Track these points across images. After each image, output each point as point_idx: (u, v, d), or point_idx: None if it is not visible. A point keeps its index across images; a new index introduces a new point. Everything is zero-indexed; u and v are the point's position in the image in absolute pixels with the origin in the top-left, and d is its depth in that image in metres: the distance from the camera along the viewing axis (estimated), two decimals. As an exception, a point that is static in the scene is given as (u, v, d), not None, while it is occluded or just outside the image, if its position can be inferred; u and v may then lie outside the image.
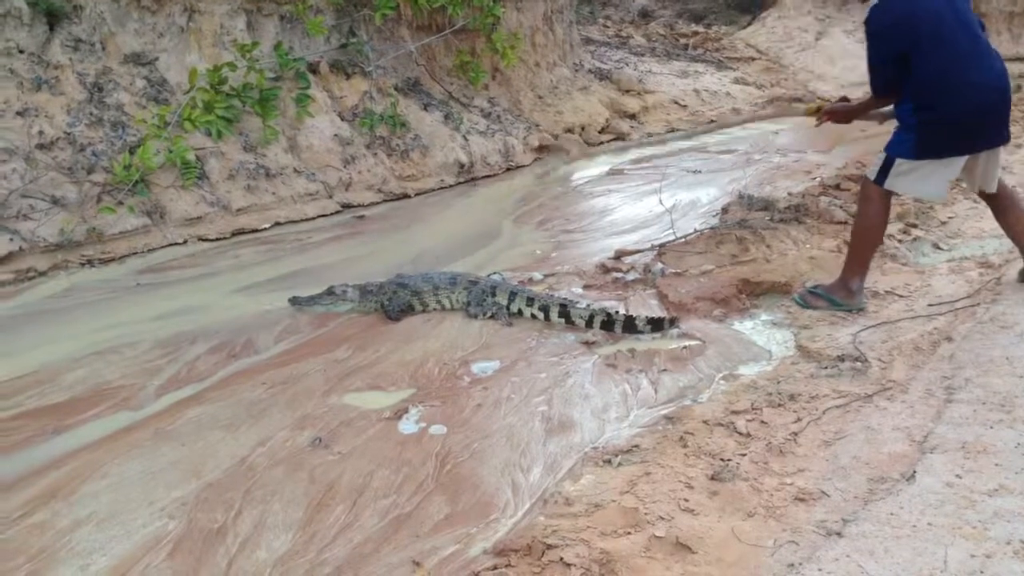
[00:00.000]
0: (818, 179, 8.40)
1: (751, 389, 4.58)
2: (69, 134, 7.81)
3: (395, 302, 5.77)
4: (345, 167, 8.84)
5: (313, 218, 8.24)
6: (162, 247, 7.35)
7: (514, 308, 5.67)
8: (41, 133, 7.63)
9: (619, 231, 7.66)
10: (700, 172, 9.63)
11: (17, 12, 7.97)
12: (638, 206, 8.47)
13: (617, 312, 5.41)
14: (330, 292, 5.90)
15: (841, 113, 5.66)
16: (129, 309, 6.02)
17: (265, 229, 7.90)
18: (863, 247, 5.34)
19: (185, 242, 7.48)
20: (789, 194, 7.95)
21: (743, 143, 11.58)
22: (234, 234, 7.71)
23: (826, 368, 4.75)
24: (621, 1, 25.18)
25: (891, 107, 5.39)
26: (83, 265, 6.88)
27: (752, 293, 5.98)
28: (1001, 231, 5.64)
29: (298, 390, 4.74)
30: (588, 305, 5.51)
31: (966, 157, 5.01)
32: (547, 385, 4.74)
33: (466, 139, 9.84)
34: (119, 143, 7.89)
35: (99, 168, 7.63)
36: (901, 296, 5.71)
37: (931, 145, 4.95)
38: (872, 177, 5.20)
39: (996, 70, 4.96)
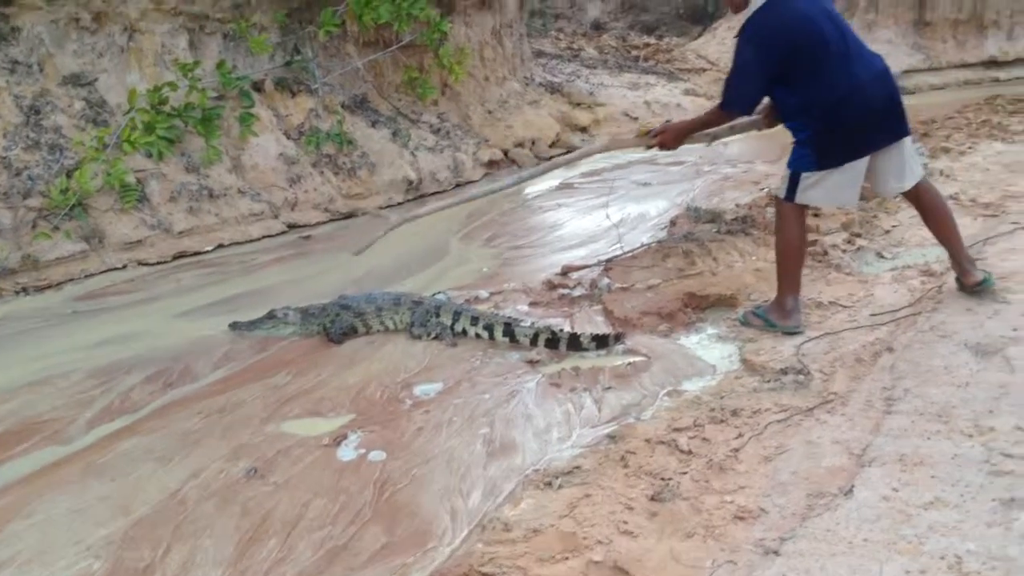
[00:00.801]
0: (766, 189, 8.46)
1: (694, 405, 4.57)
2: (4, 158, 7.64)
3: (337, 324, 5.70)
4: (291, 186, 8.74)
5: (258, 239, 8.13)
6: (101, 272, 7.21)
7: (458, 328, 5.62)
8: (-27, 158, 7.48)
9: (567, 246, 7.65)
10: (650, 185, 9.67)
11: (-52, 34, 7.83)
12: (587, 220, 8.48)
13: (561, 330, 5.38)
14: (271, 316, 5.81)
15: (671, 135, 5.69)
16: (64, 338, 5.88)
17: (208, 251, 7.78)
18: (789, 265, 5.34)
19: (125, 267, 7.34)
20: (736, 205, 8.01)
21: (692, 155, 11.63)
22: (176, 257, 7.58)
23: (769, 382, 4.75)
24: (574, 13, 25.39)
25: (726, 126, 5.55)
26: (17, 293, 6.72)
27: (698, 307, 5.98)
28: None
29: (235, 418, 4.64)
30: (532, 323, 5.47)
31: (866, 159, 5.03)
32: (490, 406, 4.69)
33: (414, 156, 9.80)
34: (56, 167, 7.74)
35: (35, 193, 7.48)
36: (844, 306, 5.74)
37: (829, 154, 4.98)
38: (782, 196, 5.22)
39: (878, 68, 5.00)
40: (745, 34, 4.95)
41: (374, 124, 9.92)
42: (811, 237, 7.07)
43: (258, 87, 9.42)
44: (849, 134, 4.93)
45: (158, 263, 7.47)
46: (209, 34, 9.34)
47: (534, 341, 5.39)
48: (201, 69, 8.93)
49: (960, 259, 5.38)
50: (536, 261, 7.22)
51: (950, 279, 5.75)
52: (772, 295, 5.90)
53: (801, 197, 5.18)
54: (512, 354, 5.37)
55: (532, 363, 5.23)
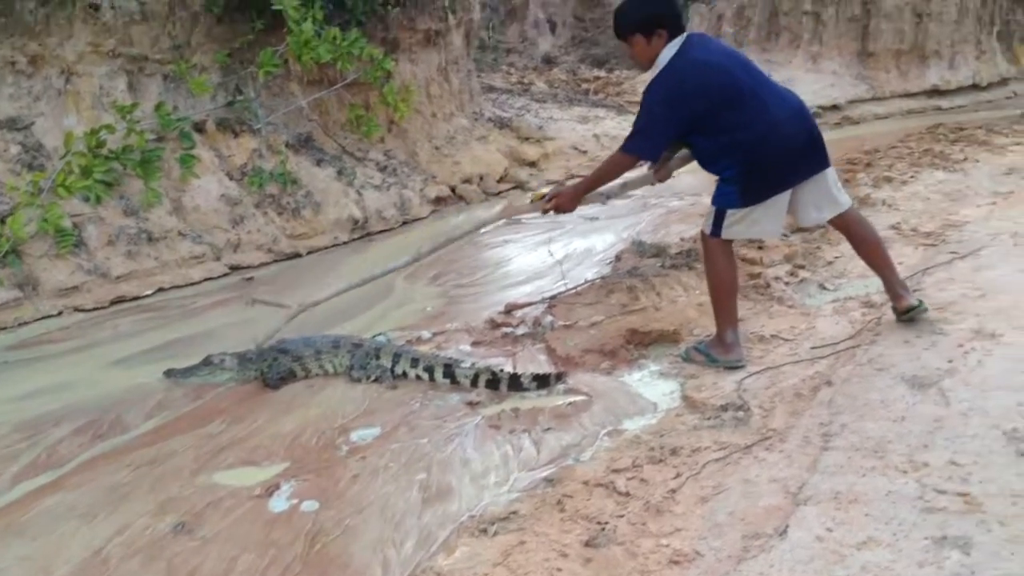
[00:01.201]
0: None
1: (634, 444, 4.55)
2: (-64, 205, 7.47)
3: (275, 369, 5.61)
4: (233, 227, 8.64)
5: (199, 282, 8.01)
6: (35, 320, 7.03)
7: (399, 370, 5.57)
8: (-97, 204, 7.30)
9: (513, 283, 7.63)
10: (597, 219, 9.69)
11: None
12: (533, 256, 8.47)
13: (502, 370, 5.35)
14: (207, 362, 5.71)
15: (566, 197, 5.70)
16: (-12, 391, 5.71)
17: (147, 296, 7.64)
18: (723, 299, 5.39)
19: (60, 313, 7.17)
20: (681, 239, 8.06)
21: (648, 188, 11.71)
22: (113, 302, 7.43)
23: (709, 419, 4.75)
24: (525, 48, 25.58)
25: (618, 183, 5.72)
26: (-58, 344, 6.54)
27: (641, 343, 5.99)
28: None
29: (165, 470, 4.53)
30: (473, 364, 5.43)
31: (788, 192, 5.13)
32: (428, 450, 4.63)
33: (360, 194, 9.75)
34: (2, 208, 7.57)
35: (-32, 239, 7.29)
36: (786, 340, 5.78)
37: (753, 191, 5.06)
38: (708, 231, 5.28)
39: (794, 105, 5.13)
40: (655, 87, 5.01)
41: (319, 163, 9.86)
42: (755, 270, 7.16)
43: (200, 128, 9.32)
44: (771, 170, 5.02)
45: (95, 309, 7.31)
46: (149, 75, 9.25)
47: (474, 382, 5.35)
48: (141, 111, 8.82)
49: (893, 285, 5.46)
50: (481, 299, 7.19)
51: (889, 310, 5.83)
52: (713, 328, 5.93)
53: (727, 232, 5.24)
54: (452, 396, 5.32)
55: (472, 405, 5.18)
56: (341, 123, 10.67)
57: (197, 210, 8.61)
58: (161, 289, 7.76)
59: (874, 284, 6.69)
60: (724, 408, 4.82)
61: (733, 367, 5.36)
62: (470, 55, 13.68)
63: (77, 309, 7.27)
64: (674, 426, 4.73)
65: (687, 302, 6.52)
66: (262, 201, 9.03)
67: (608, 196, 6.07)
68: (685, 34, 5.07)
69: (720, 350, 5.44)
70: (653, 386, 5.39)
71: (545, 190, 6.08)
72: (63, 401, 5.49)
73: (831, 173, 5.27)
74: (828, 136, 5.72)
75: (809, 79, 18.54)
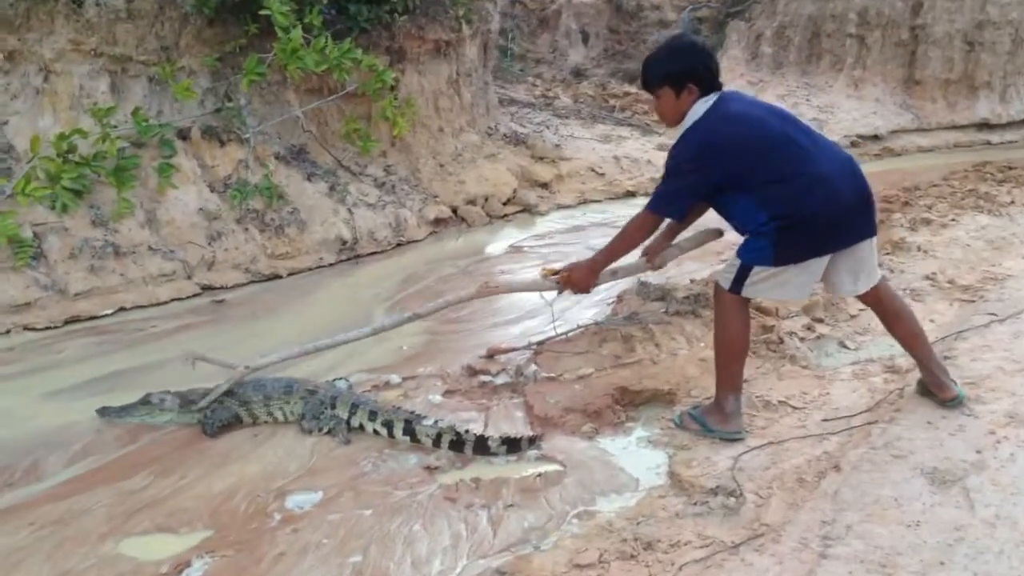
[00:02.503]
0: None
1: (605, 532, 4.06)
2: None
3: (216, 415, 5.17)
4: (210, 244, 8.24)
5: (166, 302, 7.60)
6: (-21, 338, 6.66)
7: (355, 423, 5.11)
8: None
9: (503, 321, 7.15)
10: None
11: None
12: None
13: (467, 431, 4.87)
14: (145, 401, 5.29)
15: (581, 275, 5.29)
16: (-97, 422, 5.32)
17: (107, 315, 7.24)
18: (730, 362, 4.89)
19: (8, 332, 6.79)
20: (691, 281, 7.54)
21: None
22: (67, 322, 7.04)
23: (696, 504, 4.26)
24: (555, 59, 25.15)
25: (626, 264, 5.44)
26: None
27: (631, 403, 5.50)
28: None
29: (69, 534, 4.09)
30: (436, 422, 4.95)
31: (828, 257, 4.63)
32: (370, 524, 4.17)
33: (351, 212, 9.31)
34: (-49, 217, 7.21)
35: (-83, 247, 6.95)
36: (795, 408, 5.28)
37: (790, 250, 4.55)
38: (726, 286, 4.77)
39: (842, 159, 4.65)
40: (685, 144, 4.59)
41: (310, 177, 9.45)
42: (767, 321, 6.64)
43: (184, 135, 8.95)
44: (814, 230, 4.51)
45: (47, 328, 6.93)
46: (133, 77, 8.90)
47: (436, 442, 4.88)
48: (124, 114, 8.50)
49: (931, 367, 4.96)
50: (464, 339, 6.71)
51: (914, 378, 5.29)
52: (712, 388, 5.44)
53: (749, 291, 4.75)
54: (410, 457, 4.86)
55: (430, 469, 4.71)
56: (340, 135, 10.25)
57: (172, 223, 8.21)
58: (123, 308, 7.36)
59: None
60: (714, 491, 4.32)
61: (731, 439, 4.86)
62: (487, 67, 13.26)
63: (27, 328, 6.88)
64: (654, 511, 4.23)
65: (688, 356, 6.01)
66: (243, 216, 8.62)
67: (615, 274, 5.60)
68: (719, 92, 4.64)
69: (718, 418, 4.94)
70: (638, 457, 4.90)
71: (557, 265, 5.57)
72: (-18, 438, 5.08)
73: (873, 242, 4.78)
74: (867, 168, 5.22)
75: (849, 105, 17.95)
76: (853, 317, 6.87)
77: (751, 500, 4.23)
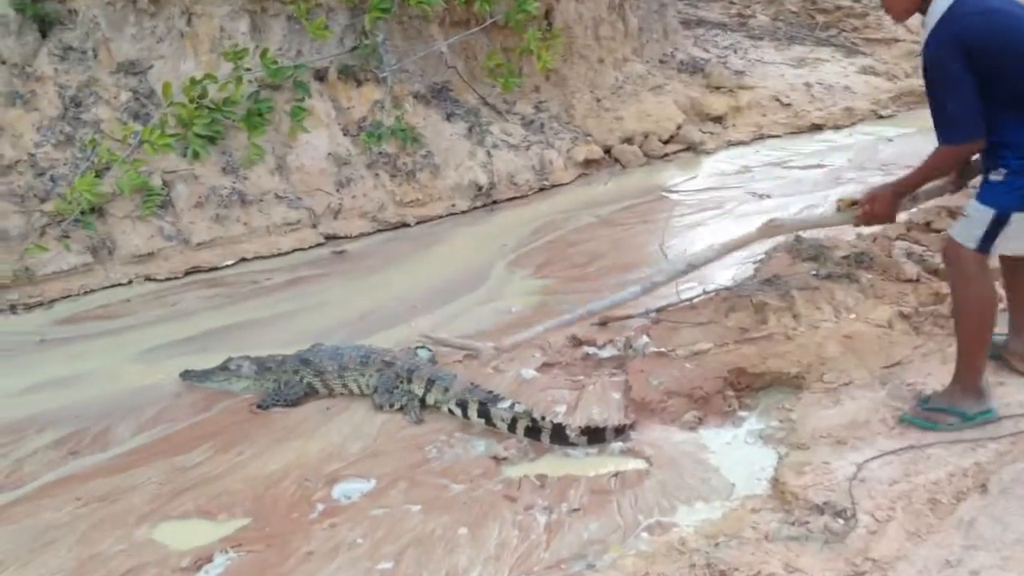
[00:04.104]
0: (908, 213, 6.94)
1: (674, 553, 3.54)
2: (32, 156, 7.44)
3: (291, 386, 5.00)
4: (338, 191, 8.13)
5: (287, 252, 7.56)
6: (102, 288, 6.85)
7: (430, 400, 4.80)
8: (0, 156, 7.30)
9: (630, 279, 6.53)
10: (769, 197, 8.34)
11: (3, 19, 7.68)
12: (672, 243, 7.32)
13: (544, 417, 4.43)
14: (224, 367, 5.22)
15: (882, 202, 4.49)
16: (5, 376, 5.49)
17: (227, 266, 7.28)
18: (980, 333, 4.15)
19: (130, 282, 6.96)
20: (857, 236, 6.62)
21: (842, 154, 10.11)
22: (188, 272, 7.14)
23: (794, 524, 3.65)
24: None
25: (928, 185, 4.45)
26: (2, 311, 6.44)
27: (748, 387, 4.87)
28: None
29: (111, 512, 4.04)
30: (512, 405, 4.54)
31: None
32: (413, 524, 3.85)
33: (489, 155, 8.92)
34: (84, 165, 7.44)
35: (55, 196, 7.20)
36: (953, 402, 4.45)
37: None
38: (972, 244, 4.01)
39: None
40: (940, 44, 3.88)
41: (449, 117, 9.12)
42: (943, 288, 5.71)
43: (321, 76, 8.84)
44: None
45: (167, 279, 7.05)
46: (272, 16, 8.83)
47: (512, 427, 4.49)
48: (262, 56, 8.44)
49: None
50: (583, 300, 6.17)
51: None
52: (856, 373, 4.75)
53: (1002, 246, 4.06)
54: (479, 443, 4.49)
55: (497, 460, 4.33)
56: (488, 71, 9.82)
57: (301, 170, 8.15)
58: (244, 259, 7.38)
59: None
60: (821, 508, 3.69)
61: (993, 420, 4.17)
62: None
63: (148, 278, 7.03)
64: (741, 528, 3.66)
65: (831, 331, 5.25)
66: (375, 161, 8.44)
67: (915, 199, 4.83)
68: None
69: (972, 401, 4.20)
70: (741, 456, 4.32)
71: (856, 196, 4.89)
72: (65, 399, 5.17)
73: None
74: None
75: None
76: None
77: (863, 524, 3.57)
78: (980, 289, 4.09)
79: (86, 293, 6.79)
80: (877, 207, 4.52)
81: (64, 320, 6.40)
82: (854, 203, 4.71)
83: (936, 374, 4.71)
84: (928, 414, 4.25)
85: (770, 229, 5.30)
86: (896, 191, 4.46)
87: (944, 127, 4.00)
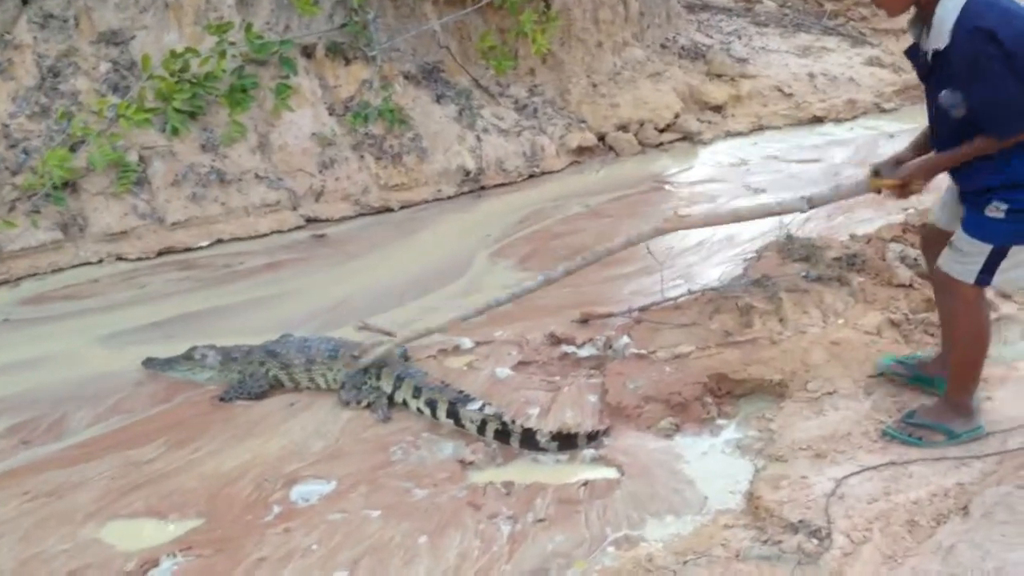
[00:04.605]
0: (905, 213, 6.80)
1: (640, 570, 3.43)
2: (7, 126, 7.29)
3: (255, 379, 4.88)
4: (320, 172, 7.98)
5: (265, 235, 7.42)
6: (72, 267, 6.73)
7: (399, 398, 4.68)
8: (-30, 127, 7.15)
9: (617, 275, 6.44)
10: (764, 191, 8.19)
11: (-18, -17, 7.52)
12: (659, 240, 7.17)
13: (514, 421, 4.31)
14: (188, 356, 5.10)
15: (923, 170, 4.08)
16: (-36, 359, 5.38)
17: (201, 248, 7.14)
18: (977, 360, 4.09)
19: (100, 261, 6.84)
20: (850, 236, 6.47)
21: (842, 149, 9.94)
22: (160, 253, 7.00)
23: (766, 542, 3.53)
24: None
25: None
26: (-33, 289, 6.34)
27: (728, 394, 4.75)
28: None
29: (57, 509, 3.92)
30: (483, 406, 4.42)
31: None
32: (371, 531, 3.73)
33: (479, 139, 8.76)
34: (59, 138, 7.29)
35: (27, 169, 7.06)
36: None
37: None
38: (969, 279, 3.88)
39: None
40: (972, 40, 3.63)
41: (439, 99, 8.95)
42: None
43: (309, 52, 8.66)
44: None
45: (139, 259, 6.92)
46: (260, -11, 8.66)
47: (481, 429, 4.37)
48: (247, 30, 8.26)
49: None
50: (565, 296, 6.03)
51: None
52: (841, 382, 4.65)
53: (1001, 279, 3.92)
54: (446, 445, 4.37)
55: (464, 464, 4.21)
56: (481, 52, 9.64)
57: (284, 149, 8.00)
58: (220, 240, 7.25)
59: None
60: (795, 527, 3.58)
61: (980, 437, 4.09)
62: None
63: (120, 258, 6.91)
64: (712, 546, 3.54)
65: (817, 337, 5.13)
66: (360, 143, 8.29)
67: None
68: None
69: (960, 420, 4.11)
70: (717, 466, 4.20)
71: (887, 181, 4.22)
72: (25, 383, 5.07)
73: None
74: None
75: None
76: (1051, 291, 5.67)
77: (838, 545, 3.45)
78: (981, 319, 4.01)
79: (55, 271, 6.67)
80: (915, 186, 4.13)
81: (29, 300, 6.27)
82: (889, 185, 4.20)
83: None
84: (913, 429, 4.14)
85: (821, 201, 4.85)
86: (935, 168, 4.07)
87: (996, 122, 3.73)
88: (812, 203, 4.60)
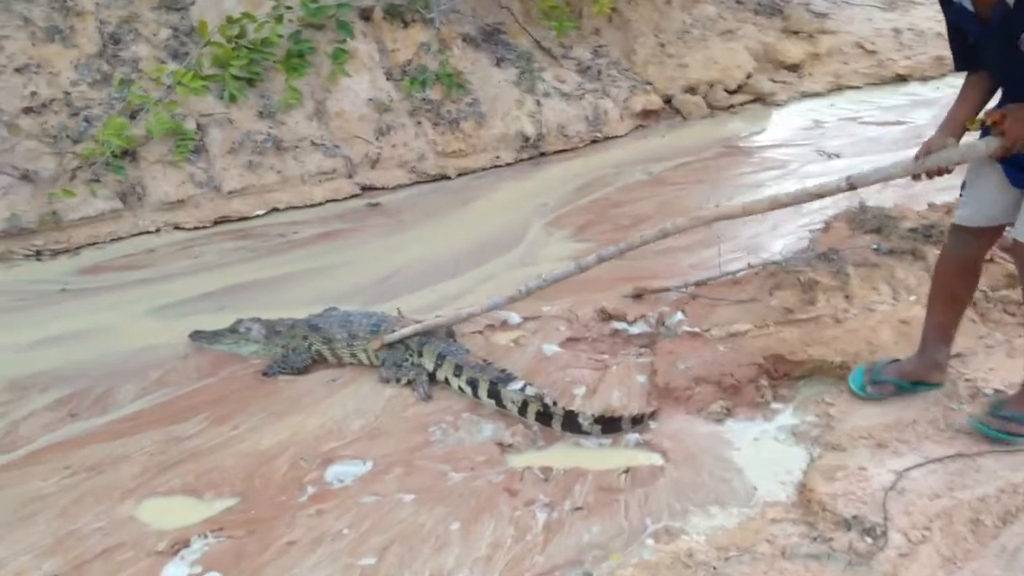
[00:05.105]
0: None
1: (678, 565, 3.29)
2: (68, 94, 7.37)
3: (298, 353, 4.84)
4: (377, 139, 7.91)
5: (320, 203, 7.41)
6: (130, 236, 6.83)
7: (440, 376, 4.58)
8: (34, 94, 7.24)
9: (673, 247, 6.21)
10: (839, 157, 7.84)
11: (47, -52, 7.61)
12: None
13: (556, 403, 4.19)
14: (234, 329, 5.09)
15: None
16: (19, 327, 5.48)
17: (258, 216, 7.15)
18: None
19: (158, 230, 6.91)
20: (929, 205, 6.15)
21: (927, 110, 9.47)
22: (217, 222, 7.05)
23: (815, 539, 3.36)
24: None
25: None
26: (28, 257, 6.44)
27: (786, 376, 4.54)
28: None
29: (96, 485, 3.95)
30: (524, 387, 4.30)
31: None
32: (403, 516, 3.67)
33: (539, 104, 8.58)
34: (119, 106, 7.35)
35: (88, 137, 7.14)
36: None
37: None
38: None
39: None
40: None
41: (499, 62, 8.78)
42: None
43: (366, 15, 8.56)
44: None
45: (195, 228, 6.97)
46: (319, -49, 8.57)
47: (523, 410, 4.26)
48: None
49: None
50: (619, 268, 5.83)
51: None
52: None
53: None
54: (487, 426, 4.27)
55: (503, 447, 4.10)
56: (545, 11, 9.42)
57: (341, 116, 7.94)
58: (275, 209, 7.25)
59: None
60: (848, 523, 3.40)
61: None
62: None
63: (177, 227, 6.97)
64: (757, 540, 3.38)
65: (887, 315, 4.86)
66: (417, 108, 8.19)
67: None
68: None
69: None
70: (769, 454, 4.01)
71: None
72: (74, 355, 5.14)
73: None
74: None
75: None
76: None
77: (894, 544, 3.27)
78: None
79: (113, 240, 6.76)
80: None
81: (88, 269, 6.38)
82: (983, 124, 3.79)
83: (1000, 370, 4.35)
84: (1003, 423, 3.80)
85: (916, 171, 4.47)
86: None
87: None
88: (853, 184, 4.31)
